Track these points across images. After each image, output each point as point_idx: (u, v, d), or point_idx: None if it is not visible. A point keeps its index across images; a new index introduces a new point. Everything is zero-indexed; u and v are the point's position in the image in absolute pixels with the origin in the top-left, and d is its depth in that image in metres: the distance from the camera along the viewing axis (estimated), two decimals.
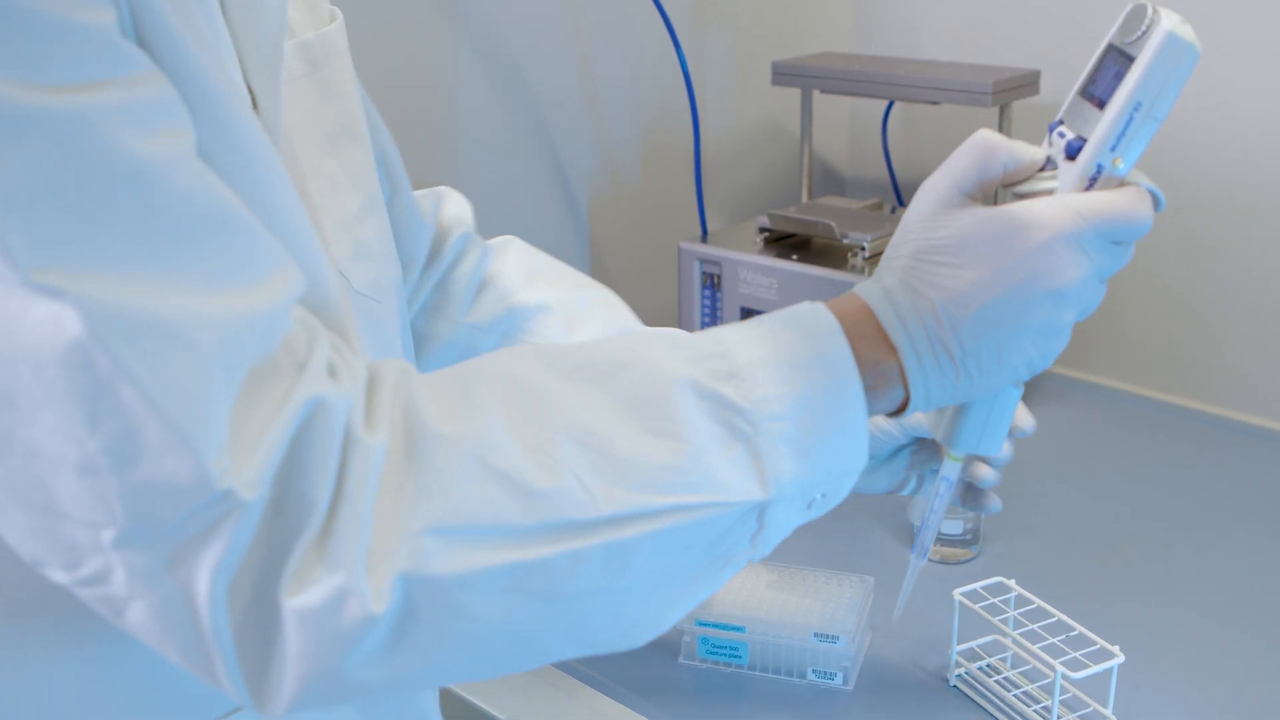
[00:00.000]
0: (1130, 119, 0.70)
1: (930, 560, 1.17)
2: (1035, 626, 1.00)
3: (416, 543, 0.58)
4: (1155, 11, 0.70)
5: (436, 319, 1.01)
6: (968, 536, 1.21)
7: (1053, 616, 1.00)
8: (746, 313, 1.55)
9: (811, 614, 1.04)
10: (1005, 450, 0.93)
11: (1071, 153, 0.72)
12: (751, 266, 1.54)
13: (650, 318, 1.07)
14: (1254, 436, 1.48)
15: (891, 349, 0.70)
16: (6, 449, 0.54)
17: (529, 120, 1.60)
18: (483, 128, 1.55)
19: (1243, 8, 1.47)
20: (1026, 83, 1.52)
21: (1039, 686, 1.00)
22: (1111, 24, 0.72)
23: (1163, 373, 1.63)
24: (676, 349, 0.67)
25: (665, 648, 1.07)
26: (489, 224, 1.12)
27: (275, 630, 0.58)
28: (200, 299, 0.55)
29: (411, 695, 0.83)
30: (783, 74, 1.64)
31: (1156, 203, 0.73)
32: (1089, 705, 0.98)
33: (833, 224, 1.51)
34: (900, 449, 0.94)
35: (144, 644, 0.59)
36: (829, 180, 1.94)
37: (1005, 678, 1.02)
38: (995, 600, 1.03)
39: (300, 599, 0.57)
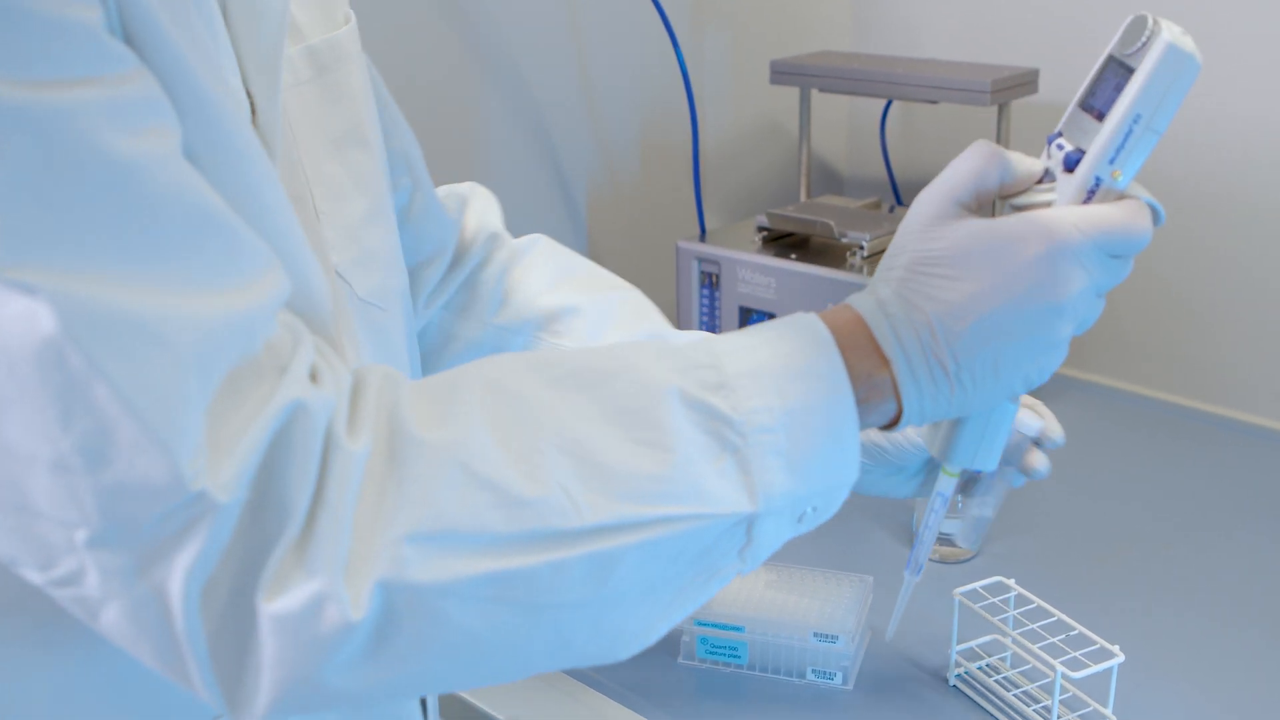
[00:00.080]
0: (1129, 131, 0.69)
1: (930, 559, 1.16)
2: (1035, 626, 0.99)
3: (397, 549, 0.57)
4: (1156, 23, 0.69)
5: (464, 319, 1.00)
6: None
7: (1052, 616, 1.00)
8: (745, 312, 1.55)
9: (811, 614, 1.04)
10: (1041, 463, 0.93)
11: (1070, 165, 0.71)
12: (750, 266, 1.53)
13: None
14: (1253, 436, 1.48)
15: (884, 361, 0.69)
16: None
17: (527, 119, 1.60)
18: (481, 126, 1.55)
19: (1243, 8, 1.47)
20: (1025, 82, 1.52)
21: (1039, 686, 1.00)
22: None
23: (1162, 372, 1.62)
24: (666, 358, 0.66)
25: (664, 648, 1.06)
26: None
27: (251, 636, 0.57)
28: (178, 299, 0.55)
29: (393, 704, 0.82)
30: (781, 73, 1.64)
31: (1156, 216, 0.71)
32: (1089, 705, 0.98)
33: (831, 223, 1.51)
34: (930, 461, 0.94)
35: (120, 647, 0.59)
36: (827, 179, 1.94)
37: (1005, 677, 1.02)
38: (995, 600, 1.02)
39: (277, 604, 0.56)
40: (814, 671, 1.03)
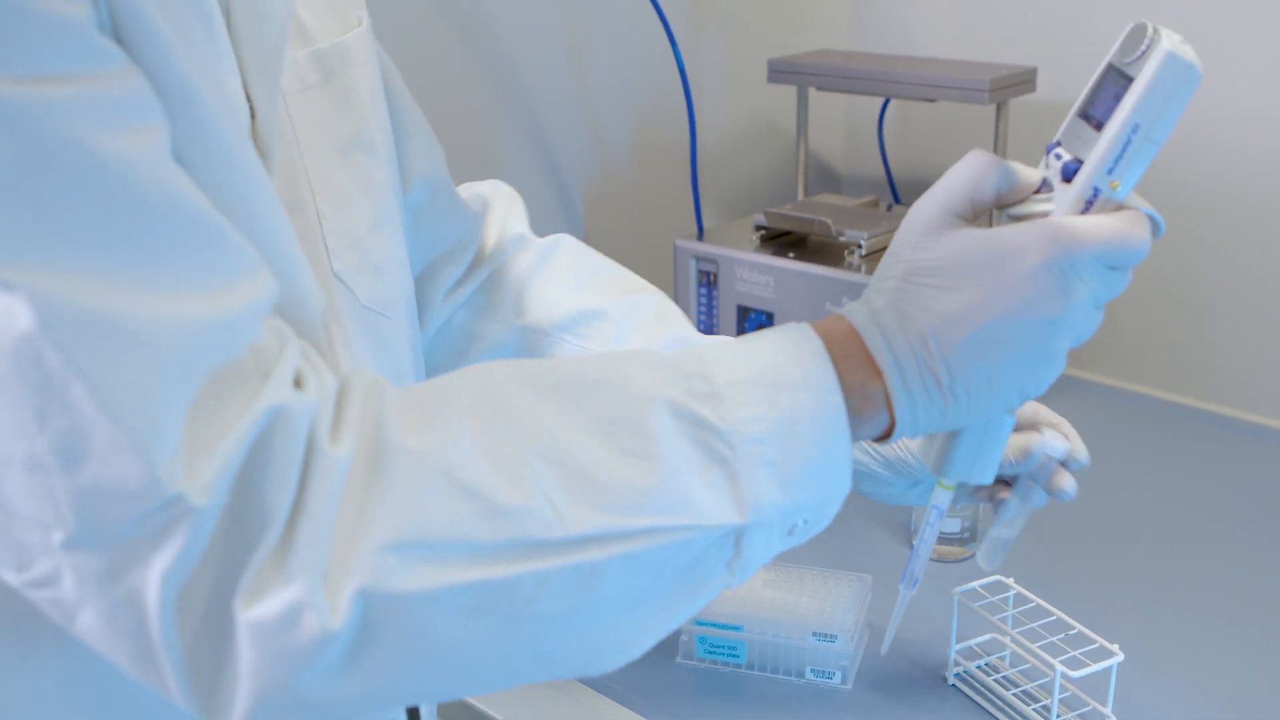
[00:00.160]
0: (1128, 141, 0.68)
1: (930, 558, 1.16)
2: (1034, 625, 0.99)
3: (377, 558, 0.57)
4: (1155, 31, 0.68)
5: (488, 320, 1.00)
6: (965, 535, 1.21)
7: (1052, 615, 1.00)
8: (743, 310, 1.55)
9: (809, 613, 1.03)
10: (1068, 484, 0.92)
11: (1068, 175, 0.70)
12: (748, 264, 1.53)
13: None
14: (1252, 434, 1.48)
15: (877, 373, 0.68)
16: None
17: (524, 117, 1.59)
18: (478, 125, 1.55)
19: (1243, 8, 1.47)
20: (1023, 80, 1.52)
21: (1038, 685, 1.00)
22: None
23: (1161, 370, 1.63)
24: (655, 367, 0.65)
25: (663, 647, 1.06)
26: None
27: (228, 643, 0.56)
28: (160, 300, 0.54)
29: (374, 716, 0.80)
30: (779, 71, 1.64)
31: (1155, 228, 0.70)
32: (1088, 704, 0.97)
33: (829, 222, 1.51)
34: None
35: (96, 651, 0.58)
36: (825, 178, 1.94)
37: (1004, 676, 1.02)
38: (994, 599, 1.02)
39: (255, 611, 0.55)
40: (813, 671, 1.03)
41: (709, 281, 1.58)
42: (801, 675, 1.03)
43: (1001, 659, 1.03)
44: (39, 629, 0.62)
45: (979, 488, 0.95)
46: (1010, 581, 1.03)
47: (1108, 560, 1.21)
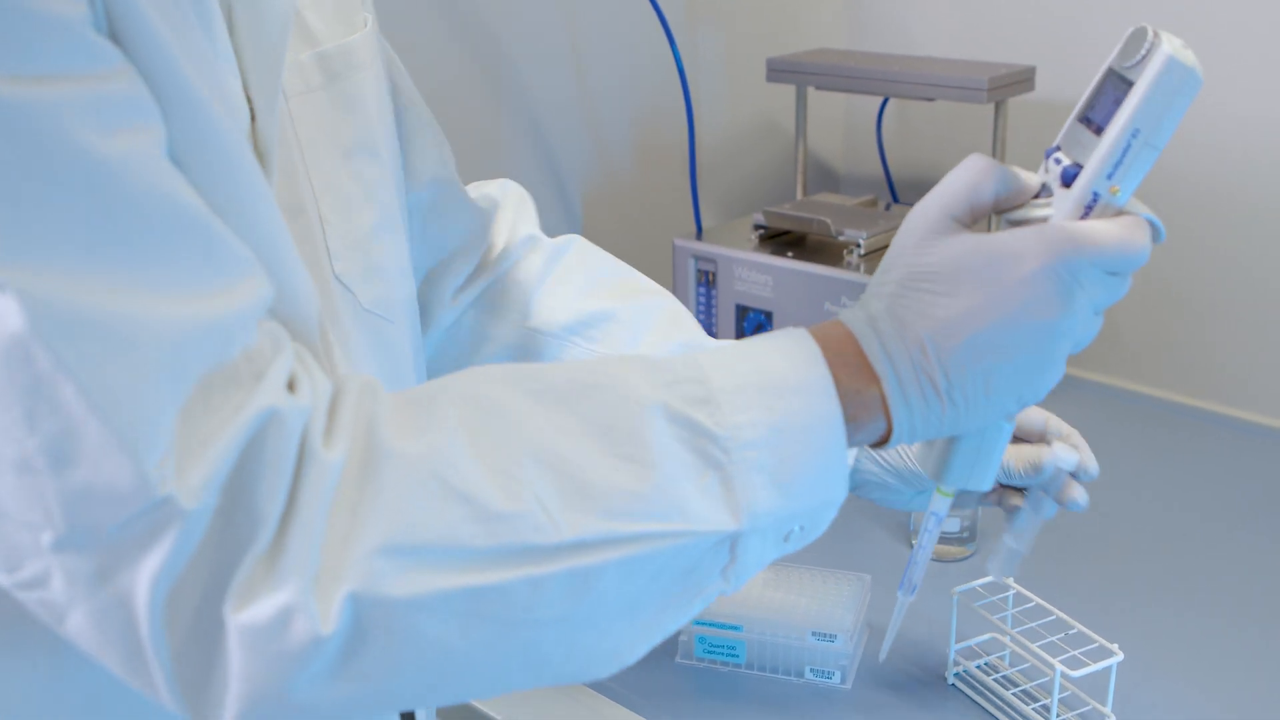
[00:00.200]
0: (1128, 146, 0.68)
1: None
2: (1034, 624, 0.99)
3: (368, 562, 0.56)
4: (1156, 35, 0.67)
5: (498, 321, 0.99)
6: (965, 534, 1.21)
7: (1051, 614, 1.00)
8: (742, 310, 1.55)
9: (809, 613, 1.03)
10: (1080, 496, 0.92)
11: (1067, 180, 0.69)
12: (746, 264, 1.53)
13: None
14: (1251, 433, 1.48)
15: (874, 378, 0.67)
16: None
17: (522, 116, 1.59)
18: (476, 123, 1.55)
19: (1243, 8, 1.47)
20: (1022, 79, 1.52)
21: (1038, 685, 1.00)
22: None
23: (1159, 369, 1.62)
24: (650, 372, 0.65)
25: (662, 647, 1.05)
26: None
27: (218, 647, 0.56)
28: (151, 301, 0.54)
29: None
30: (777, 70, 1.64)
31: (1156, 233, 0.70)
32: (1088, 703, 0.97)
33: (828, 221, 1.51)
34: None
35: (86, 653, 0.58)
36: (824, 177, 1.94)
37: (1004, 676, 1.02)
38: (993, 598, 1.02)
39: (245, 615, 0.55)
40: (812, 670, 1.03)
41: (708, 281, 1.58)
42: (801, 675, 1.03)
43: (1001, 658, 1.03)
44: (29, 630, 0.62)
45: (989, 493, 0.96)
46: (1009, 581, 1.03)
47: (1107, 559, 1.21)
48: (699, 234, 1.63)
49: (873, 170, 1.87)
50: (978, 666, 1.02)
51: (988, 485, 0.77)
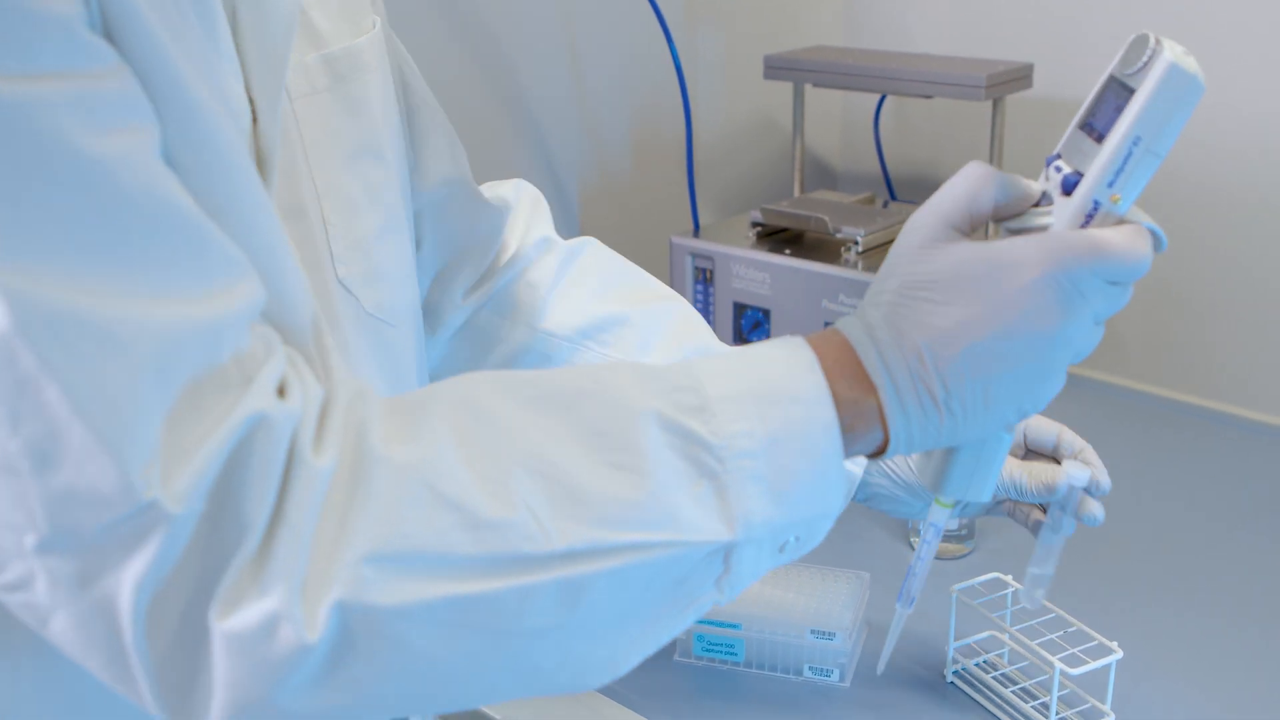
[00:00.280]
0: (1129, 154, 0.67)
1: None
2: (1033, 622, 0.99)
3: (355, 570, 0.56)
4: (1158, 42, 0.66)
5: (512, 323, 0.99)
6: (963, 532, 1.21)
7: (1050, 612, 1.00)
8: (739, 307, 1.54)
9: (807, 611, 1.03)
10: (1097, 510, 0.92)
11: (1068, 188, 0.68)
12: (744, 261, 1.53)
13: None
14: (1250, 431, 1.48)
15: (871, 388, 0.66)
16: None
17: (519, 114, 1.59)
18: (474, 121, 1.54)
19: (1243, 7, 1.46)
20: (1020, 76, 1.52)
21: (1037, 683, 1.00)
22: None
23: (1160, 368, 1.62)
24: (645, 379, 0.64)
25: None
26: None
27: (203, 653, 0.55)
28: (140, 303, 0.53)
29: None
30: (775, 68, 1.64)
31: (1158, 242, 0.69)
32: (1087, 701, 0.97)
33: (826, 218, 1.51)
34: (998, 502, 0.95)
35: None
36: (821, 174, 1.94)
37: (1003, 674, 1.02)
38: (992, 596, 1.02)
39: (230, 622, 0.55)
40: (811, 668, 1.03)
41: (705, 278, 1.57)
42: (799, 673, 1.03)
43: (1000, 656, 1.03)
44: (13, 632, 0.61)
45: (997, 503, 0.96)
46: (1009, 579, 1.03)
47: (1107, 557, 1.21)
48: (696, 231, 1.63)
49: (870, 167, 1.87)
50: (976, 664, 1.02)
51: (986, 496, 0.76)
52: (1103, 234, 0.67)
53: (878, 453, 0.68)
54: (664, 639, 0.64)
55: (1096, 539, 1.23)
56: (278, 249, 0.62)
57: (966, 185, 0.69)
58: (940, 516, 0.81)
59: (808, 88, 1.67)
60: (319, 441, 0.57)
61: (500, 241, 1.00)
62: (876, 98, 1.79)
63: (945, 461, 0.75)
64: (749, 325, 1.54)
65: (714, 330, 1.00)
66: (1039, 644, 0.96)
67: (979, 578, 1.03)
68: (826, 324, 1.46)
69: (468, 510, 0.58)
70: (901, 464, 0.97)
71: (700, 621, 1.03)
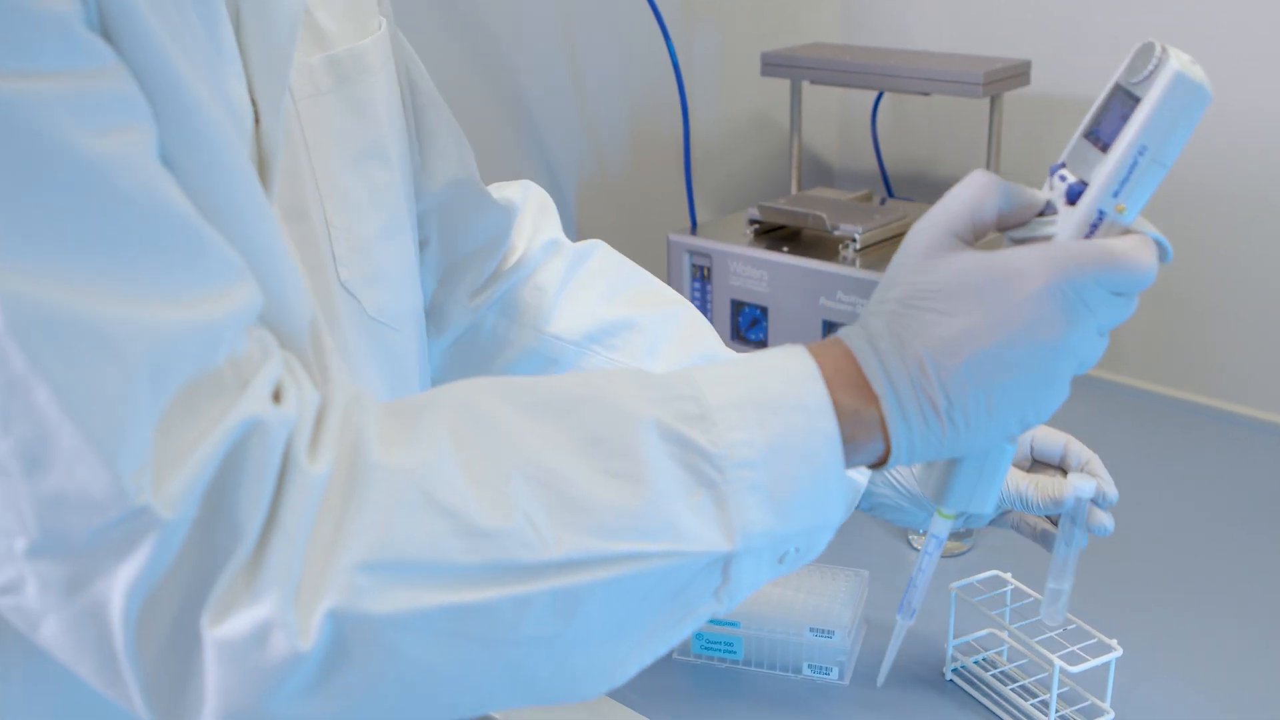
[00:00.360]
0: (1135, 163, 0.66)
1: None
2: (1032, 620, 0.99)
3: (350, 578, 0.55)
4: (1164, 50, 0.65)
5: (519, 326, 0.99)
6: (962, 530, 1.20)
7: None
8: (737, 305, 1.54)
9: (806, 609, 1.03)
10: (1107, 520, 0.92)
11: (1072, 197, 0.68)
12: (742, 259, 1.53)
13: None
14: (1250, 429, 1.48)
15: (873, 398, 0.65)
16: None
17: (517, 111, 1.59)
18: (472, 119, 1.53)
19: (1243, 7, 1.46)
20: (1017, 73, 1.52)
21: (1036, 680, 1.00)
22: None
23: (1160, 366, 1.62)
24: (645, 387, 0.63)
25: None
26: None
27: (194, 660, 0.55)
28: (134, 305, 0.53)
29: None
30: (772, 65, 1.64)
31: (1163, 253, 0.68)
32: (1086, 699, 0.97)
33: (823, 215, 1.50)
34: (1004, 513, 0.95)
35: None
36: (818, 171, 1.94)
37: (1002, 671, 1.01)
38: (991, 594, 1.02)
39: (222, 629, 0.54)
40: (810, 666, 1.02)
41: (702, 276, 1.57)
42: (798, 671, 1.03)
43: (999, 654, 1.03)
44: (3, 636, 0.61)
45: (1004, 514, 0.96)
46: (1008, 576, 1.03)
47: (1106, 555, 1.20)
48: (694, 229, 1.62)
49: (868, 165, 1.87)
50: (975, 662, 1.02)
51: (989, 508, 0.75)
52: (1108, 244, 0.67)
53: (879, 463, 0.68)
54: (661, 650, 0.64)
55: (1096, 537, 1.23)
56: (276, 252, 0.62)
57: (970, 194, 0.68)
58: (942, 528, 0.80)
59: (805, 85, 1.67)
60: (314, 447, 0.57)
61: (507, 244, 0.99)
62: (874, 95, 1.79)
63: (948, 473, 0.74)
64: (747, 323, 1.54)
65: (712, 328, 1.00)
66: (1038, 641, 0.96)
67: (978, 575, 1.03)
68: (824, 321, 1.46)
69: (464, 518, 0.57)
70: (905, 474, 0.97)
71: None
